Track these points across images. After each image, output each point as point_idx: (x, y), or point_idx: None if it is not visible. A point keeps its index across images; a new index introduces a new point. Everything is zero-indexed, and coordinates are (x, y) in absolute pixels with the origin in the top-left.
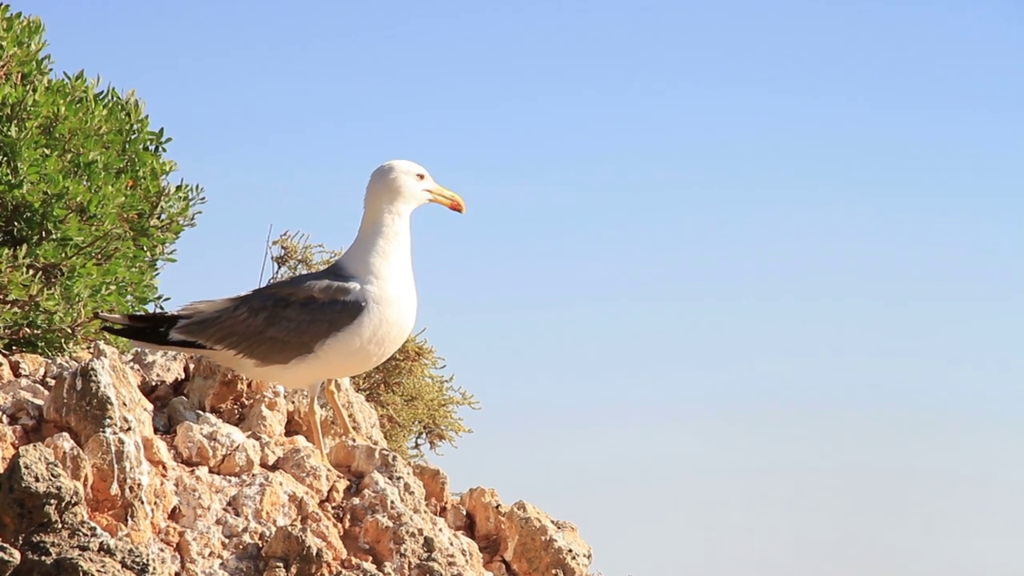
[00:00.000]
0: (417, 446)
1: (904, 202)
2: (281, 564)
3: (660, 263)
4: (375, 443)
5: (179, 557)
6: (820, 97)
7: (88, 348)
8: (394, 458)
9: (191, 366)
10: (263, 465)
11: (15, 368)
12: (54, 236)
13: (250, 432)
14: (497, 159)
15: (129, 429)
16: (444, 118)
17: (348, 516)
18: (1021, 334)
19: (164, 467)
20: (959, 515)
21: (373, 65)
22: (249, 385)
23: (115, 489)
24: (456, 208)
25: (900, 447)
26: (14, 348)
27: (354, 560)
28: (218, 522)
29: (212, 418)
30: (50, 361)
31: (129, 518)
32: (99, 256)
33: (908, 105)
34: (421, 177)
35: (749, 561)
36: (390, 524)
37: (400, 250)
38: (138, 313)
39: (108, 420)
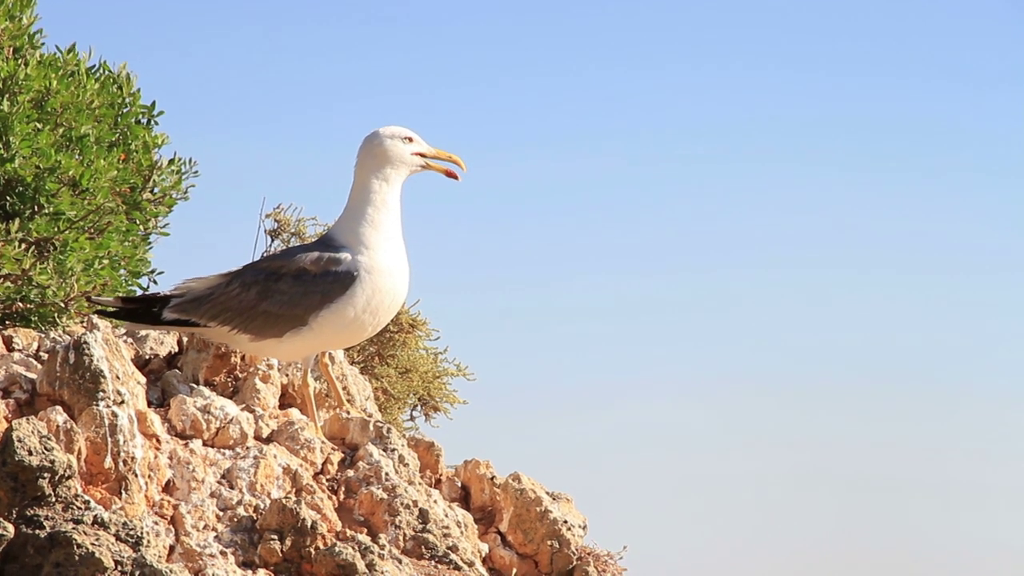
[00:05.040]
0: (412, 418)
1: (908, 177)
2: (276, 537)
3: (657, 238)
4: (369, 415)
5: (173, 530)
6: (826, 74)
7: (81, 322)
8: (388, 430)
9: (184, 339)
10: (257, 438)
11: (8, 342)
12: (47, 210)
13: (244, 405)
14: (494, 134)
15: (122, 402)
16: (438, 94)
17: (343, 488)
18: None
19: (158, 440)
20: (963, 489)
21: (369, 40)
22: (243, 358)
23: (109, 462)
24: (451, 175)
25: (906, 421)
26: (7, 322)
27: (349, 532)
28: (212, 495)
29: (206, 391)
30: (43, 335)
31: (123, 491)
32: (92, 230)
33: (913, 82)
34: (409, 140)
35: (745, 534)
36: (385, 496)
37: (390, 219)
38: (130, 295)
39: (101, 393)
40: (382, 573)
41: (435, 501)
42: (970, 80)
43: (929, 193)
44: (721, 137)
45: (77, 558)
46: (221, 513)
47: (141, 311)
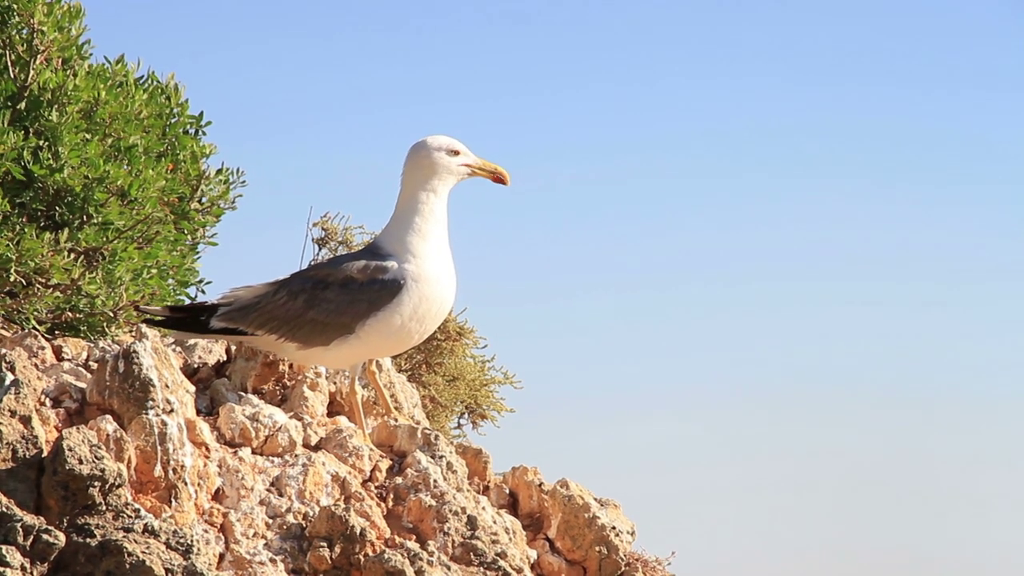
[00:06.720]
0: (459, 426)
1: (905, 187)
2: (325, 544)
3: (703, 246)
4: (417, 423)
5: (223, 538)
6: (823, 84)
7: (130, 331)
8: (436, 437)
9: (233, 348)
10: (306, 446)
11: (58, 352)
12: (95, 220)
13: (292, 413)
14: (542, 142)
15: (172, 411)
16: (487, 101)
17: (391, 495)
18: None
19: (207, 448)
20: (972, 498)
21: (417, 47)
22: (291, 366)
23: (158, 471)
24: (500, 180)
25: (933, 431)
26: (56, 332)
27: (397, 539)
28: (261, 503)
29: (254, 399)
30: (92, 345)
31: (173, 499)
32: (140, 240)
33: (908, 89)
34: (456, 153)
35: (796, 542)
36: (433, 503)
37: (437, 227)
38: (178, 304)
39: (151, 402)
40: None
41: (483, 508)
42: (978, 87)
43: (936, 201)
44: (748, 150)
45: (128, 566)
46: (270, 521)
47: (189, 320)
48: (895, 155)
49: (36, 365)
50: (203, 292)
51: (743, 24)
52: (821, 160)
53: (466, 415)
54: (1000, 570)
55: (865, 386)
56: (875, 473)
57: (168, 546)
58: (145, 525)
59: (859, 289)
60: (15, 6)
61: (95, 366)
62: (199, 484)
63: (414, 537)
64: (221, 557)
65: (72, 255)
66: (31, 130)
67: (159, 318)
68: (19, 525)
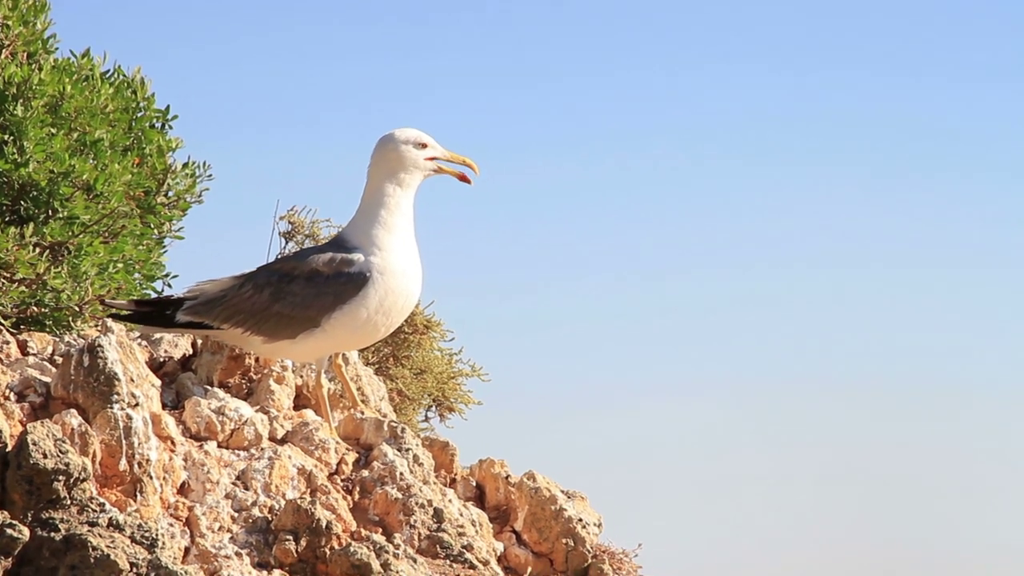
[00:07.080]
0: (427, 419)
1: (928, 176)
2: (291, 537)
3: (671, 240)
4: (384, 416)
5: (188, 532)
6: (823, 77)
7: (95, 326)
8: (403, 430)
9: (199, 342)
10: (272, 439)
11: (23, 346)
12: (61, 214)
13: (258, 406)
14: (510, 136)
15: (137, 405)
16: (455, 95)
17: (357, 488)
18: None
19: (172, 442)
20: (981, 490)
21: (385, 41)
22: (257, 360)
23: (124, 465)
24: (464, 179)
25: (922, 422)
26: (22, 327)
27: (364, 532)
28: (227, 496)
29: (220, 393)
30: (58, 339)
31: (138, 493)
32: (106, 234)
33: (916, 79)
34: (423, 146)
35: (760, 533)
36: (399, 496)
37: (403, 220)
38: (144, 298)
39: (116, 396)
40: (397, 573)
41: (450, 500)
42: (989, 80)
43: (949, 192)
44: (729, 139)
45: (92, 560)
46: (236, 514)
47: (155, 314)
48: (899, 148)
49: (1, 360)
50: (169, 286)
51: (741, 20)
52: (822, 152)
53: (433, 408)
54: (1002, 568)
55: (854, 382)
56: (841, 466)
57: (133, 540)
58: (110, 519)
59: (857, 286)
60: None
61: (60, 360)
62: (164, 478)
63: (380, 530)
64: (186, 551)
65: (37, 249)
66: None
67: (125, 312)
68: None
